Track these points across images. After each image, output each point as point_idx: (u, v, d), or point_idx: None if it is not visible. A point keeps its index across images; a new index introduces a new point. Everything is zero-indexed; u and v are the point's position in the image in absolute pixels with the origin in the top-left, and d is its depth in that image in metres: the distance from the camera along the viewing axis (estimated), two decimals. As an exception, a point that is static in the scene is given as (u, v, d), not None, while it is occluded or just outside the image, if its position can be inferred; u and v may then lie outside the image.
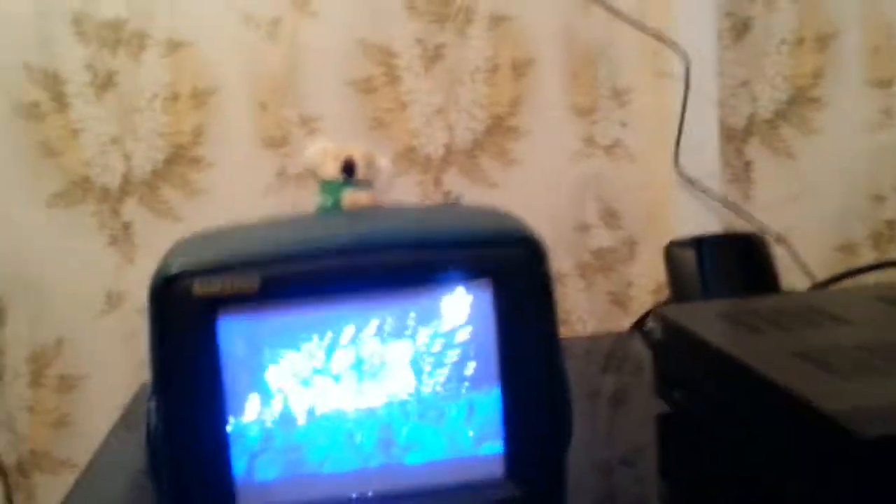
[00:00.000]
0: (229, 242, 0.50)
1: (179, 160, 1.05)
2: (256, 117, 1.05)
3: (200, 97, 1.04)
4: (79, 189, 1.03)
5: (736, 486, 0.63)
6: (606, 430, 0.77)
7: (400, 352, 0.49)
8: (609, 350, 1.01)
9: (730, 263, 0.93)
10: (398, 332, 0.49)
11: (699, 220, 1.09)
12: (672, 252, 0.96)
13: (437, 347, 0.50)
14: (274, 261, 0.47)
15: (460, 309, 0.50)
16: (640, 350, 1.00)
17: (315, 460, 0.49)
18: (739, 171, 1.16)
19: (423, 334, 0.49)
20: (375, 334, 0.49)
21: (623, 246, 1.14)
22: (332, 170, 0.60)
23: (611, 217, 1.14)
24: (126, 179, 1.04)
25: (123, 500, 0.66)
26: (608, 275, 1.15)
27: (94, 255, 1.05)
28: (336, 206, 0.60)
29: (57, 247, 1.04)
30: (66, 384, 1.07)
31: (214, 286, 0.46)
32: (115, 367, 1.06)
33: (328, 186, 0.60)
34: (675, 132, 1.08)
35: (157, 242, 1.03)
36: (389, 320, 0.49)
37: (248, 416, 0.48)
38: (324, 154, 0.61)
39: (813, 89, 1.15)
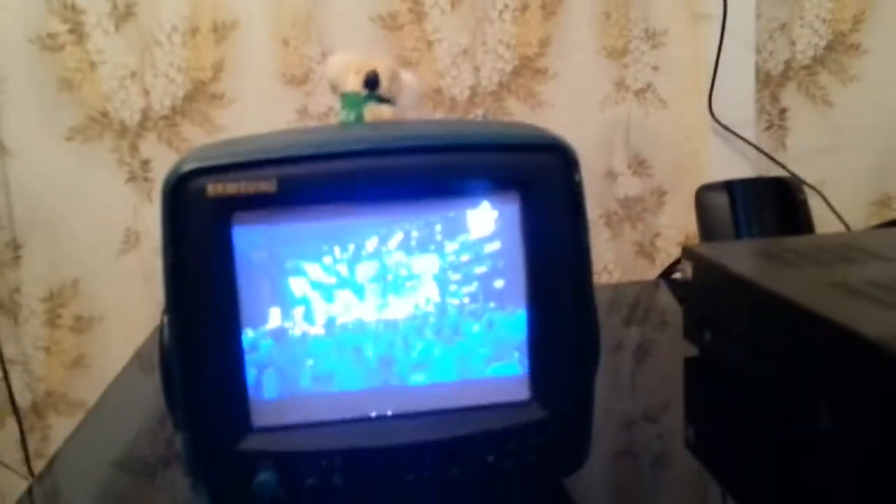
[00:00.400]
0: (247, 145, 0.47)
1: (199, 96, 1.02)
2: (278, 53, 1.02)
3: (221, 31, 1.01)
4: (97, 124, 1.01)
5: (768, 426, 0.60)
6: (631, 378, 0.74)
7: (424, 265, 0.47)
8: (635, 299, 0.98)
9: (763, 208, 0.90)
10: (423, 245, 0.47)
11: (732, 168, 1.05)
12: (703, 196, 0.93)
13: (462, 261, 0.47)
14: (293, 160, 0.44)
15: (487, 221, 0.47)
16: (667, 300, 0.98)
17: (335, 377, 0.47)
18: (774, 119, 1.12)
19: (449, 248, 0.47)
20: (399, 247, 0.47)
21: (651, 195, 1.11)
22: (354, 83, 0.57)
23: (640, 165, 1.10)
24: (145, 115, 1.02)
25: (133, 440, 0.64)
26: (635, 224, 1.12)
27: (113, 192, 1.03)
28: (358, 121, 0.57)
29: (74, 183, 1.02)
30: (83, 325, 1.06)
31: (229, 186, 0.44)
32: (132, 308, 1.05)
33: (350, 100, 0.57)
34: (710, 77, 1.04)
35: (175, 181, 1.02)
36: (414, 232, 0.46)
37: (264, 327, 0.46)
38: (346, 67, 0.58)
39: (853, 35, 1.11)
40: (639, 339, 0.84)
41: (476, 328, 0.48)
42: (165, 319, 0.48)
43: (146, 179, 1.03)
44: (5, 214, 1.02)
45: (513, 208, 0.47)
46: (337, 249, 0.46)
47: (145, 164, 1.03)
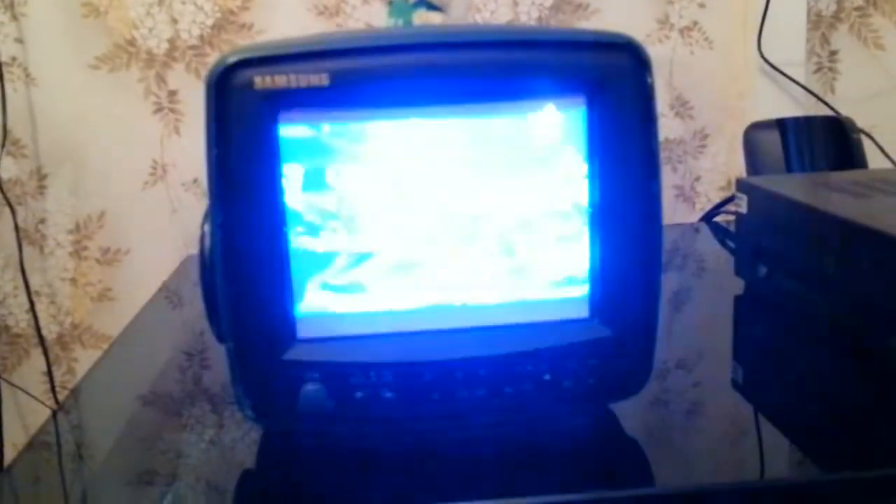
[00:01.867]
0: (297, 39, 0.44)
1: (228, 26, 0.99)
2: (310, -18, 0.99)
3: (251, -43, 0.97)
4: (123, 52, 0.98)
5: (827, 357, 0.58)
6: (668, 324, 0.71)
7: (482, 173, 0.44)
8: (674, 243, 0.95)
9: (816, 146, 0.86)
10: (482, 151, 0.44)
11: (778, 110, 1.01)
12: (753, 134, 0.89)
13: (523, 169, 0.44)
14: (347, 52, 0.41)
15: (552, 125, 0.44)
16: (707, 244, 0.95)
17: (383, 291, 0.45)
18: (824, 61, 1.07)
19: (510, 154, 0.44)
20: (456, 152, 0.44)
21: (693, 137, 1.07)
22: (403, -12, 0.54)
23: (682, 106, 1.06)
24: (172, 44, 0.99)
25: (157, 374, 0.62)
26: (676, 167, 1.08)
27: (139, 123, 1.00)
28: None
29: (101, 113, 1.00)
30: (109, 257, 1.04)
31: (278, 79, 0.41)
32: (158, 241, 1.03)
33: (398, 6, 0.54)
34: (759, 15, 1.00)
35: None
36: (473, 135, 0.43)
37: (310, 234, 0.44)
38: (395, -29, 0.55)
39: (910, -26, 1.06)
40: (678, 285, 0.81)
41: (536, 241, 0.45)
42: (206, 228, 0.45)
43: (173, 111, 1.01)
44: (30, 143, 1.00)
45: (579, 111, 0.44)
46: (391, 151, 0.43)
47: (172, 94, 1.00)
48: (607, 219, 0.45)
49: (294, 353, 0.44)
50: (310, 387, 0.43)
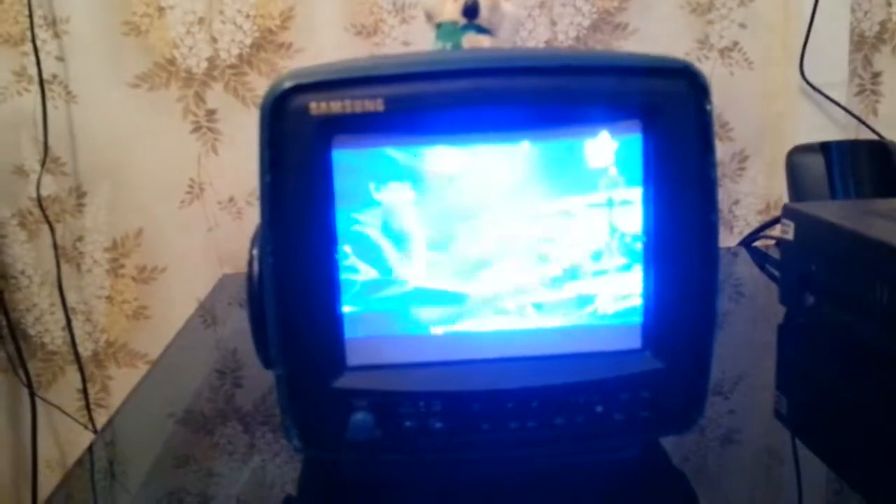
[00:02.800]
0: (350, 63, 0.44)
1: (267, 45, 0.99)
2: (348, 2, 0.99)
3: (291, -22, 0.98)
4: (163, 71, 0.99)
5: (877, 392, 0.56)
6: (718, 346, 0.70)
7: (536, 199, 0.43)
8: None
9: (861, 170, 0.85)
10: (537, 178, 0.43)
11: (819, 133, 1.00)
12: (796, 157, 0.88)
13: (577, 196, 0.44)
14: (403, 78, 0.41)
15: (606, 152, 0.43)
16: (746, 269, 0.93)
17: (438, 314, 0.44)
18: (867, 83, 1.06)
19: (564, 181, 0.43)
20: (511, 178, 0.43)
21: (732, 160, 1.06)
22: (451, 11, 0.54)
23: (721, 127, 1.05)
24: (212, 63, 0.99)
25: (195, 395, 0.62)
26: (714, 190, 1.07)
27: (177, 142, 1.01)
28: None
29: (139, 132, 1.00)
30: (145, 275, 1.04)
31: (333, 105, 0.41)
32: (195, 260, 1.03)
33: (446, 30, 0.54)
34: (801, 36, 0.99)
35: (242, 132, 1.00)
36: (528, 162, 0.43)
37: (362, 260, 0.43)
38: (444, -6, 0.54)
39: (956, -4, 1.04)
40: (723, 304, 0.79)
41: (590, 269, 0.44)
42: (255, 252, 0.45)
43: (211, 130, 1.01)
44: (70, 160, 1.00)
45: (635, 139, 0.43)
46: (445, 177, 0.43)
47: (211, 113, 1.01)
48: (662, 248, 0.44)
49: (344, 381, 0.43)
50: (358, 415, 0.42)
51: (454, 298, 0.44)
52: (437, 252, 0.44)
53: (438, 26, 0.54)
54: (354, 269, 0.43)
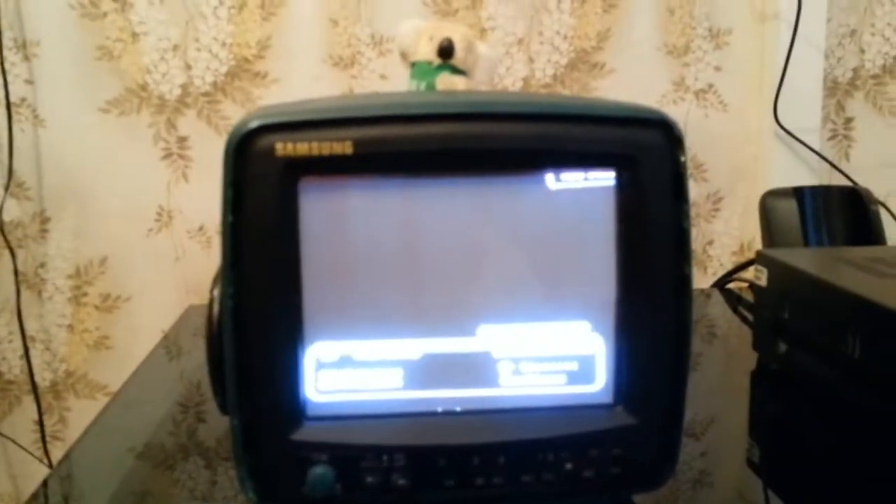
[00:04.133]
0: (319, 104, 0.43)
1: (242, 74, 0.98)
2: (326, 33, 0.98)
3: (268, 8, 0.97)
4: (135, 97, 0.97)
5: (849, 442, 0.55)
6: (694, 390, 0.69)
7: (507, 244, 0.42)
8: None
9: (833, 216, 0.85)
10: (508, 223, 0.42)
11: (793, 176, 1.00)
12: (770, 202, 0.88)
13: (548, 243, 0.42)
14: (372, 120, 0.40)
15: (579, 200, 0.42)
16: (719, 310, 0.93)
17: (400, 370, 0.43)
18: (839, 128, 1.06)
19: (535, 227, 0.42)
20: (482, 223, 0.42)
21: (706, 200, 1.06)
22: (426, 51, 0.53)
23: (696, 168, 1.05)
24: (185, 90, 0.98)
25: (155, 429, 0.60)
26: (688, 231, 1.06)
27: (147, 168, 0.99)
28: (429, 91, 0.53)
29: (107, 157, 0.98)
30: (108, 304, 1.02)
31: (300, 146, 0.40)
32: (160, 289, 1.01)
33: (421, 69, 0.53)
34: (775, 80, 0.99)
35: (213, 160, 0.97)
36: (499, 207, 0.42)
37: (327, 308, 0.42)
38: (417, 33, 0.54)
39: (927, 45, 1.06)
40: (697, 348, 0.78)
41: (559, 320, 0.43)
42: (216, 293, 0.43)
43: (182, 157, 0.99)
44: (35, 185, 0.98)
45: (608, 187, 0.42)
46: (415, 222, 0.42)
47: (182, 140, 0.99)
48: (634, 301, 0.43)
49: (303, 434, 0.41)
50: (318, 469, 0.41)
51: (422, 348, 0.43)
52: (405, 301, 0.42)
53: (413, 65, 0.53)
54: (318, 317, 0.42)
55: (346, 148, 0.40)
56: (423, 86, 0.52)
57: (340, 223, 0.41)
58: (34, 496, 0.52)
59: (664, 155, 0.42)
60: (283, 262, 0.41)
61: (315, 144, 0.40)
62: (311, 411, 0.42)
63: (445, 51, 0.52)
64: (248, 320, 0.41)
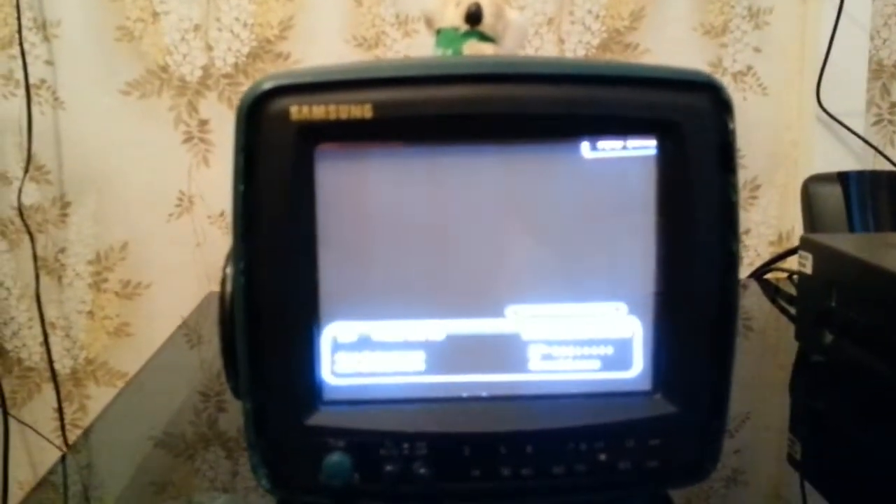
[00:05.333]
0: (338, 67, 0.40)
1: (264, 55, 0.96)
2: (350, 13, 0.95)
3: (291, -13, 0.95)
4: (156, 78, 0.95)
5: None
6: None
7: (537, 217, 0.39)
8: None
9: (880, 202, 0.81)
10: (538, 193, 0.39)
11: (835, 162, 0.96)
12: (813, 188, 0.84)
13: (583, 216, 0.39)
14: (394, 82, 0.37)
15: (617, 169, 0.39)
16: (756, 301, 0.89)
17: (423, 351, 0.40)
18: (884, 113, 1.02)
19: (569, 198, 0.39)
20: (510, 193, 0.39)
21: (744, 188, 1.02)
22: (453, 17, 0.50)
23: (732, 154, 1.01)
24: (206, 72, 0.96)
25: (173, 416, 0.58)
26: (724, 219, 1.02)
27: (168, 152, 0.97)
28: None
29: (128, 141, 0.97)
30: (129, 290, 1.00)
31: (316, 110, 0.37)
32: (181, 276, 0.99)
33: (447, 37, 0.50)
34: (818, 62, 0.95)
35: (234, 144, 0.96)
36: (529, 176, 0.39)
37: (345, 284, 0.39)
38: (445, -1, 0.51)
39: (977, 25, 1.01)
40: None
41: (595, 300, 0.40)
42: (228, 271, 0.40)
43: (203, 141, 0.97)
44: (55, 169, 0.97)
45: (648, 156, 0.39)
46: (438, 191, 0.39)
47: (203, 124, 0.97)
48: (676, 281, 0.40)
49: (319, 418, 0.39)
50: (334, 457, 0.38)
51: (446, 327, 0.40)
52: (429, 277, 0.39)
53: (438, 32, 0.50)
54: (336, 294, 0.39)
55: (365, 112, 0.37)
56: (449, 53, 0.50)
57: (359, 193, 0.38)
58: (49, 474, 0.50)
59: (710, 121, 0.38)
60: (298, 235, 0.38)
61: (332, 108, 0.37)
62: (327, 395, 0.39)
63: (473, 16, 0.49)
64: (261, 298, 0.38)
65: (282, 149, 0.37)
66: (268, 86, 0.37)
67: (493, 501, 0.40)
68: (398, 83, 0.37)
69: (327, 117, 0.37)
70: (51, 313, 0.99)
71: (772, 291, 0.91)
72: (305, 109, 0.37)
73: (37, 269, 0.96)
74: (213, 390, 0.65)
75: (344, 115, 0.37)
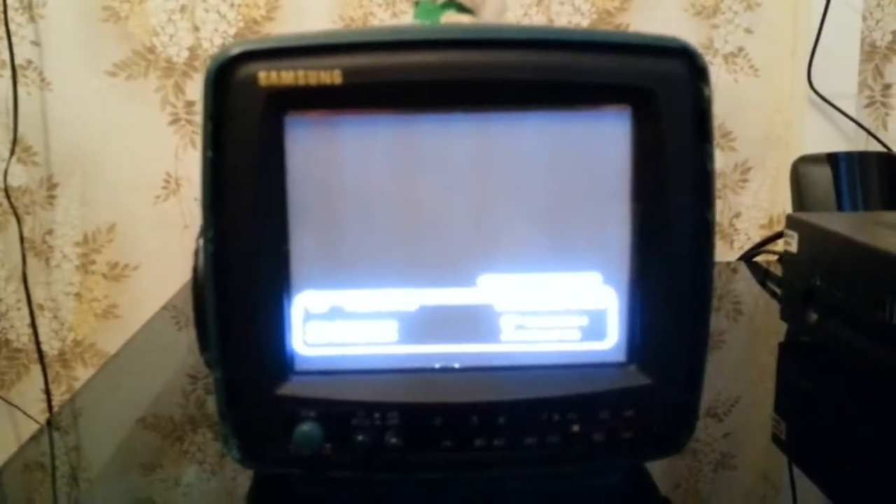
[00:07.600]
0: (307, 34, 0.39)
1: (251, 36, 0.95)
2: (337, -7, 0.95)
3: (278, -34, 0.94)
4: (142, 60, 0.95)
5: (886, 414, 0.51)
6: (718, 368, 0.65)
7: (509, 186, 0.39)
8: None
9: (869, 183, 0.80)
10: (510, 162, 0.38)
11: (827, 144, 0.95)
12: (802, 168, 0.83)
13: (555, 187, 0.39)
14: (364, 47, 0.36)
15: (590, 138, 0.39)
16: (746, 285, 0.88)
17: (395, 321, 0.39)
18: (877, 95, 1.01)
19: (540, 168, 0.39)
20: (482, 162, 0.38)
21: (734, 170, 1.01)
22: (432, -12, 0.49)
23: (723, 136, 1.01)
24: (193, 53, 0.95)
25: (157, 396, 0.57)
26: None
27: (155, 134, 0.96)
28: (434, 32, 0.49)
29: (115, 122, 0.96)
30: (117, 272, 1.00)
31: (285, 75, 0.36)
32: (169, 257, 0.99)
33: (424, 8, 0.49)
34: (810, 43, 0.94)
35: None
36: (501, 144, 0.38)
37: (315, 253, 0.38)
38: (423, -30, 0.50)
39: (971, 7, 1.00)
40: (713, 328, 0.74)
41: (568, 268, 0.40)
42: (200, 242, 0.40)
43: (190, 122, 0.97)
44: (42, 150, 0.96)
45: (622, 124, 0.39)
46: (409, 159, 0.38)
47: (190, 105, 0.96)
48: (651, 250, 0.39)
49: (290, 388, 0.38)
50: (305, 427, 0.38)
51: (418, 296, 0.39)
52: (400, 245, 0.39)
53: (417, 4, 0.49)
54: (306, 263, 0.39)
55: (334, 77, 0.36)
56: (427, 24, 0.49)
57: (330, 161, 0.38)
58: (32, 443, 0.50)
59: (686, 88, 0.38)
60: (268, 203, 0.38)
61: (301, 73, 0.36)
62: (298, 365, 0.39)
63: (451, -13, 0.48)
64: (231, 267, 0.38)
65: (251, 115, 0.37)
66: (236, 51, 0.36)
67: (465, 472, 0.40)
68: (368, 48, 0.36)
69: (296, 83, 0.36)
70: (38, 295, 0.99)
71: (761, 274, 0.91)
72: (274, 75, 0.36)
73: (24, 250, 0.96)
74: (202, 373, 0.65)
75: (313, 81, 0.36)
